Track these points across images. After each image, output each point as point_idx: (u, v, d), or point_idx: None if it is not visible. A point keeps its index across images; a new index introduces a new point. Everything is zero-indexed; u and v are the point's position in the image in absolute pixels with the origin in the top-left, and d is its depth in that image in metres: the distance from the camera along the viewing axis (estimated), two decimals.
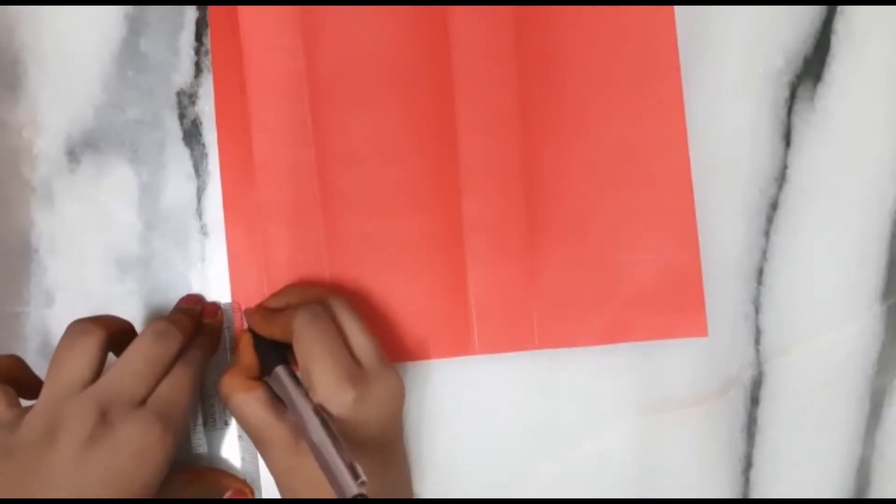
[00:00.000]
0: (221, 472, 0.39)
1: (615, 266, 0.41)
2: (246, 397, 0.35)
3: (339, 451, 0.31)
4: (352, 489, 0.30)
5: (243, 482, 0.39)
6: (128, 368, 0.33)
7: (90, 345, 0.33)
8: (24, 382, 0.35)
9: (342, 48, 0.40)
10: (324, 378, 0.33)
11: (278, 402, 0.35)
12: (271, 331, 0.36)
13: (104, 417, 0.32)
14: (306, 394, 0.34)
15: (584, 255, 0.41)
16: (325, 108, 0.40)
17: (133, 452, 0.32)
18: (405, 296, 0.40)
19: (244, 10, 0.39)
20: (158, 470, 0.33)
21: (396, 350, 0.40)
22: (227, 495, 0.39)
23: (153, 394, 0.33)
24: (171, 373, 0.34)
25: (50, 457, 0.31)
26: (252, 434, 0.35)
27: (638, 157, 0.41)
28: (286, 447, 0.34)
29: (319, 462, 0.31)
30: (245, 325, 0.39)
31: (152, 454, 0.32)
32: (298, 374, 0.35)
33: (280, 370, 0.35)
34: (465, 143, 0.40)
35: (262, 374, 0.36)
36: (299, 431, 0.33)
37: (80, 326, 0.34)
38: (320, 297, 0.37)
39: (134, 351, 0.34)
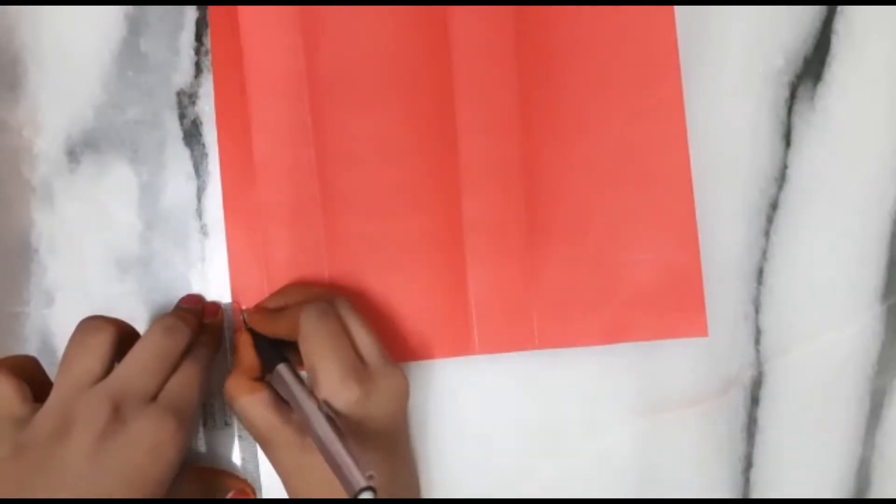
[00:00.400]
0: (224, 472, 0.39)
1: (615, 266, 0.41)
2: (250, 399, 0.35)
3: (346, 445, 0.31)
4: (360, 482, 0.30)
5: (245, 482, 0.39)
6: (138, 363, 0.33)
7: (101, 341, 0.33)
8: (37, 383, 0.34)
9: (342, 48, 0.40)
10: (330, 375, 0.33)
11: (283, 402, 0.35)
12: (276, 329, 0.36)
13: (117, 412, 0.32)
14: (310, 390, 0.34)
15: (584, 255, 0.41)
16: (325, 108, 0.40)
17: (147, 448, 0.32)
18: (405, 296, 0.40)
19: (244, 10, 0.39)
20: (171, 466, 0.32)
21: (396, 350, 0.40)
22: (230, 495, 0.39)
23: (163, 389, 0.33)
24: (180, 369, 0.34)
25: (62, 453, 0.31)
26: (258, 436, 0.35)
27: (638, 157, 0.41)
28: (293, 447, 0.34)
29: (326, 457, 0.31)
30: (244, 327, 0.39)
31: (166, 450, 0.32)
32: (300, 372, 0.35)
33: (282, 368, 0.35)
34: (465, 143, 0.40)
35: (264, 374, 0.36)
36: (305, 430, 0.33)
37: (92, 323, 0.34)
38: (322, 296, 0.37)
39: (143, 346, 0.34)
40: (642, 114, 0.41)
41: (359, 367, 0.34)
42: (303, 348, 0.34)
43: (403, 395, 0.36)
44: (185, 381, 0.34)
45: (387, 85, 0.40)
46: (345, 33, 0.40)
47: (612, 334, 0.41)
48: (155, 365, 0.33)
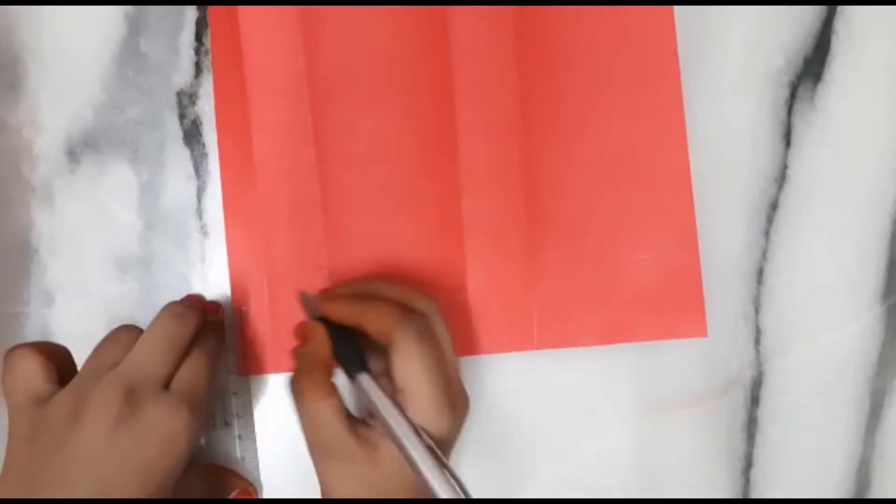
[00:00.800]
0: (228, 470, 0.39)
1: (615, 266, 0.41)
2: (323, 406, 0.32)
3: (447, 467, 0.31)
4: (469, 495, 0.30)
5: (249, 482, 0.39)
6: (148, 348, 0.33)
7: (130, 337, 0.34)
8: (65, 373, 0.34)
9: (342, 48, 0.40)
10: (428, 402, 0.32)
11: (348, 412, 0.33)
12: (363, 320, 0.34)
13: (129, 398, 0.32)
14: (397, 403, 0.33)
15: (584, 255, 0.41)
16: (325, 108, 0.40)
17: (160, 438, 0.32)
18: None
19: (244, 10, 0.39)
20: (183, 456, 0.32)
21: None
22: (233, 495, 0.39)
23: (175, 378, 0.33)
24: (190, 358, 0.34)
25: (76, 437, 0.31)
26: (319, 443, 0.33)
27: (638, 157, 0.41)
28: (360, 461, 0.32)
29: (420, 473, 0.31)
30: (310, 315, 0.36)
31: (179, 440, 0.32)
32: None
33: (364, 379, 0.33)
34: (465, 143, 0.40)
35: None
36: (374, 444, 0.32)
37: (123, 326, 0.35)
38: (409, 298, 0.35)
39: (153, 332, 0.34)
40: (642, 114, 0.41)
41: (452, 394, 0.33)
42: (399, 366, 0.33)
43: (467, 410, 0.35)
44: (196, 369, 0.34)
45: (387, 85, 0.40)
46: (345, 33, 0.40)
47: (612, 334, 0.41)
48: (165, 349, 0.33)
